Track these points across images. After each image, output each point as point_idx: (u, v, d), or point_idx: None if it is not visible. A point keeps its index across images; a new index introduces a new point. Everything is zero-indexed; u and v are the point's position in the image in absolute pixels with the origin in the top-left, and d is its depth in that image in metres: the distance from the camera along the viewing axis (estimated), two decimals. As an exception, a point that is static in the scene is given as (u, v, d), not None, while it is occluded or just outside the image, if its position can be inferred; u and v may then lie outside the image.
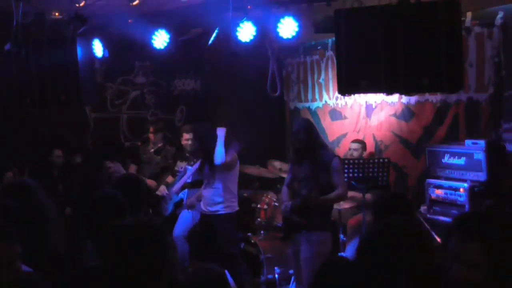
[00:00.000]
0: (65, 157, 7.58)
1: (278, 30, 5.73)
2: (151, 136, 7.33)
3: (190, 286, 2.75)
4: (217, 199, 6.16)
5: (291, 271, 6.33)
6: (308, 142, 5.20)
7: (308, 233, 5.16)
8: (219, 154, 5.98)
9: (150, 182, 7.01)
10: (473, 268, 2.03)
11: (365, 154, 6.76)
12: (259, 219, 6.81)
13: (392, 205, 3.53)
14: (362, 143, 6.82)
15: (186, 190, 6.89)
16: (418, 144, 6.58)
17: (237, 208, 6.31)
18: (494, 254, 2.02)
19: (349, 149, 6.78)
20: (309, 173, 5.16)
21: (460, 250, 2.06)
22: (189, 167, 6.77)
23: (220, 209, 6.22)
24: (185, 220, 6.72)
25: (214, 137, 6.13)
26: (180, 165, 6.91)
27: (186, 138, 6.87)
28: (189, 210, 6.77)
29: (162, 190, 6.90)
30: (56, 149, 7.51)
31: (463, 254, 2.05)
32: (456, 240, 2.10)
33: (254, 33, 5.94)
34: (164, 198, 6.94)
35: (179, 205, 6.94)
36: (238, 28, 5.92)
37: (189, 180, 6.84)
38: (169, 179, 6.98)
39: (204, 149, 6.21)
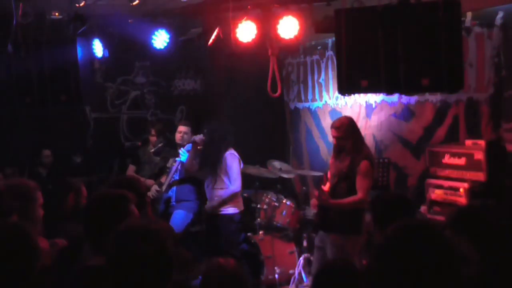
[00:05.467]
0: (54, 157, 7.59)
1: (278, 30, 5.73)
2: (152, 138, 7.31)
3: (205, 282, 2.77)
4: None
5: (291, 271, 6.34)
6: (348, 140, 5.17)
7: (330, 234, 5.16)
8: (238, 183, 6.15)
9: (150, 182, 7.02)
10: (464, 262, 2.01)
11: None
12: (259, 219, 6.82)
13: (394, 207, 3.50)
14: None
15: (174, 187, 6.89)
16: (418, 144, 6.57)
17: (242, 208, 6.33)
18: (485, 250, 2.01)
19: None
20: (339, 171, 5.16)
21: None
22: (173, 165, 6.78)
23: (223, 209, 6.24)
24: (176, 221, 6.70)
25: (223, 138, 6.18)
26: (170, 162, 6.93)
27: (181, 131, 6.84)
28: (181, 210, 6.77)
29: (153, 190, 6.90)
30: (45, 150, 7.52)
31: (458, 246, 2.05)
32: (448, 233, 2.10)
33: (254, 33, 5.94)
34: (156, 198, 6.93)
35: (168, 202, 6.94)
36: (238, 28, 5.92)
37: (176, 177, 6.84)
38: (163, 179, 6.98)
39: (213, 151, 6.23)
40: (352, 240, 5.13)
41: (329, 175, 5.40)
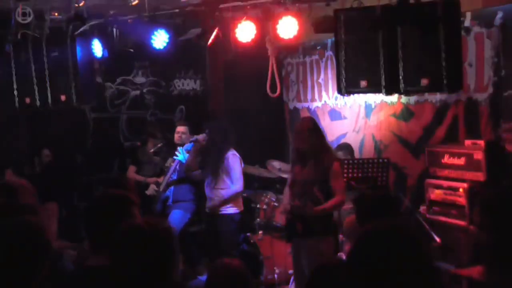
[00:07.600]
0: (53, 157, 7.59)
1: (278, 30, 5.73)
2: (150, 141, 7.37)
3: (211, 282, 2.77)
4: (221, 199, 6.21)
5: (290, 271, 6.34)
6: (312, 144, 5.09)
7: (307, 240, 5.08)
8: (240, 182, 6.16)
9: (151, 180, 7.04)
10: (480, 230, 2.48)
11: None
12: (258, 219, 6.82)
13: (378, 205, 3.49)
14: (346, 149, 6.77)
15: (172, 187, 6.90)
16: (418, 144, 6.57)
17: (241, 208, 6.33)
18: (496, 220, 2.39)
19: None
20: (310, 177, 5.07)
21: (472, 214, 2.53)
22: (171, 165, 6.80)
23: (223, 209, 6.24)
24: (174, 221, 6.70)
25: (224, 138, 6.19)
26: (169, 161, 6.95)
27: (178, 131, 6.91)
28: (178, 210, 6.79)
29: (151, 189, 6.91)
30: (45, 149, 7.51)
31: (473, 216, 2.59)
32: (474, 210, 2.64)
33: (254, 33, 5.94)
34: (154, 198, 6.94)
35: (165, 202, 6.96)
36: (237, 28, 5.92)
37: (174, 177, 6.85)
38: (161, 178, 7.00)
39: (214, 150, 6.24)
40: (329, 241, 5.11)
41: (291, 181, 5.31)
